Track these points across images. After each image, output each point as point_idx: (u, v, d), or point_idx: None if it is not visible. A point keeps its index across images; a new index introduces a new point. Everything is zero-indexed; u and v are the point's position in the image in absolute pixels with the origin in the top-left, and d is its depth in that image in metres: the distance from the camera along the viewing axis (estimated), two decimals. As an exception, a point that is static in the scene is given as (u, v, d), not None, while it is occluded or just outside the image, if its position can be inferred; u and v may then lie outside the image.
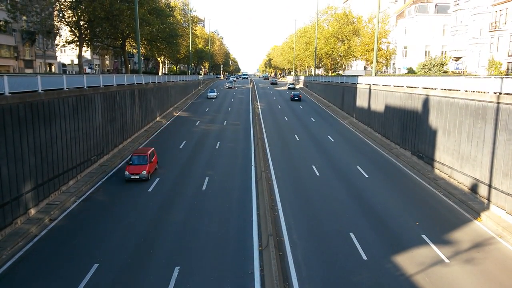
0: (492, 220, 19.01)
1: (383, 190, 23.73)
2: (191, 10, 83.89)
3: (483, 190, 21.18)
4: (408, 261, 15.56)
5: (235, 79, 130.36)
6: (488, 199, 20.59)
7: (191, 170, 27.68)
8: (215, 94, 71.49)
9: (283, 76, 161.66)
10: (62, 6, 40.95)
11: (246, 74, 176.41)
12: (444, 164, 25.39)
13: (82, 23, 41.91)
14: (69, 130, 23.26)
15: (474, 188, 22.06)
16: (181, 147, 34.46)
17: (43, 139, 20.20)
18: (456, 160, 23.98)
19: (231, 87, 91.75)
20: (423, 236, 17.57)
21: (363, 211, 20.58)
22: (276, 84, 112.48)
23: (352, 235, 17.58)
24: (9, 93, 17.70)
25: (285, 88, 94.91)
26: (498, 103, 20.16)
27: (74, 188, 22.90)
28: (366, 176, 26.37)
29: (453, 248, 16.64)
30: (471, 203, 21.14)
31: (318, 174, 26.81)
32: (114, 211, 20.34)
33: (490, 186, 20.54)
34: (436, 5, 70.97)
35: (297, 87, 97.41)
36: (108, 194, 22.84)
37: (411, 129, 30.81)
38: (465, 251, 16.50)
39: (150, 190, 23.40)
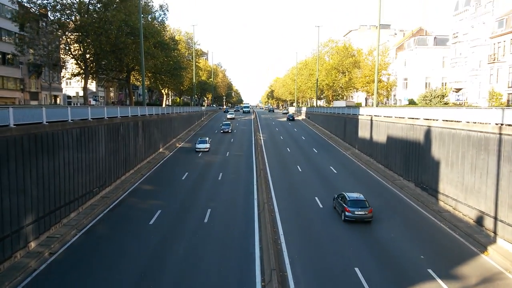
0: (499, 254, 18.60)
1: (388, 223, 23.38)
2: (195, 44, 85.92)
3: (488, 223, 20.85)
4: (415, 297, 15.13)
5: (233, 115, 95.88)
6: (495, 232, 20.23)
7: (193, 201, 27.49)
8: (206, 146, 47.23)
9: (285, 107, 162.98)
10: (69, 40, 42.11)
11: (248, 106, 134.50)
12: (448, 196, 25.13)
13: (88, 56, 42.96)
14: (72, 161, 23.31)
15: (479, 221, 21.73)
16: (183, 178, 34.36)
17: (46, 171, 20.22)
18: (460, 192, 23.75)
19: (227, 132, 65.07)
20: (429, 270, 17.16)
21: (368, 244, 20.22)
22: (273, 111, 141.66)
23: (357, 270, 17.19)
24: (14, 124, 17.89)
25: (286, 119, 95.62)
26: (500, 134, 20.17)
27: (75, 220, 22.69)
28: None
29: (460, 283, 16.22)
30: (477, 236, 20.76)
31: (321, 206, 26.55)
32: (115, 244, 20.05)
33: (495, 218, 20.23)
34: (435, 37, 72.55)
35: (299, 118, 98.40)
36: (109, 227, 22.59)
37: (414, 160, 30.73)
38: (473, 286, 16.07)
39: (151, 222, 23.16)
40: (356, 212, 22.80)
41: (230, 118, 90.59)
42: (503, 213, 19.65)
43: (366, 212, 22.90)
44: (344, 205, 23.41)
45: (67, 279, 16.31)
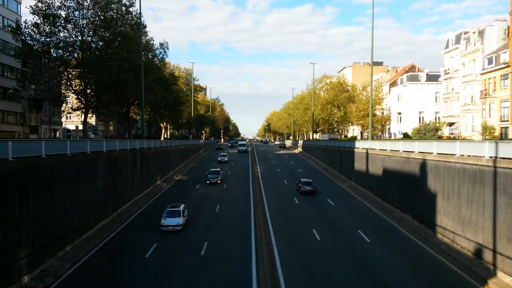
0: (499, 288, 18.42)
1: (385, 255, 23.19)
2: (194, 79, 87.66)
3: (487, 256, 20.73)
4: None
5: (226, 158, 71.96)
6: (494, 265, 20.09)
7: (190, 234, 27.25)
8: (177, 221, 28.19)
9: (282, 141, 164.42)
10: (70, 76, 42.95)
11: (245, 144, 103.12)
12: (446, 229, 25.08)
13: (89, 91, 43.67)
14: (70, 194, 23.30)
15: (478, 253, 21.60)
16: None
17: (42, 204, 20.18)
18: (458, 225, 23.74)
19: (217, 182, 47.47)
20: (430, 304, 16.93)
21: (367, 277, 20.00)
22: (267, 143, 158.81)
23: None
24: (13, 157, 18.02)
25: (282, 152, 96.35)
26: (495, 167, 20.43)
27: (70, 253, 22.40)
28: (368, 240, 25.92)
29: (461, 318, 15.96)
30: (477, 269, 20.58)
31: (319, 238, 26.36)
32: (110, 278, 19.74)
33: (494, 251, 20.14)
34: (427, 74, 74.41)
35: (295, 151, 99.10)
36: (105, 260, 22.30)
37: (410, 193, 30.83)
38: (474, 320, 15.80)
39: (147, 255, 22.87)
40: (306, 188, 41.29)
41: (222, 162, 69.33)
42: (501, 246, 19.60)
43: (312, 188, 41.40)
44: (300, 184, 42.32)
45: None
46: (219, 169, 52.38)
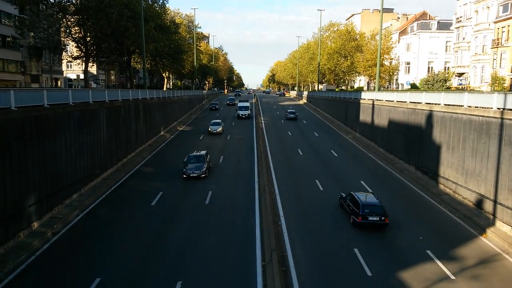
0: (498, 236, 18.80)
1: (387, 205, 23.43)
2: (196, 27, 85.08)
3: (488, 206, 20.99)
4: (413, 277, 15.36)
5: (219, 127, 49.20)
6: (494, 215, 20.39)
7: (194, 184, 27.65)
8: None
9: (287, 91, 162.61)
10: (69, 23, 41.67)
11: (247, 107, 67.39)
12: (449, 180, 25.24)
13: (88, 39, 42.56)
14: (74, 144, 23.39)
15: (479, 204, 21.87)
16: (185, 160, 34.41)
17: (47, 153, 20.30)
18: (461, 176, 23.84)
19: (199, 177, 28.74)
20: (428, 252, 17.38)
21: (364, 232, 20.40)
22: (269, 93, 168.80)
23: (356, 250, 17.42)
24: (15, 107, 17.89)
25: (287, 103, 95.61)
26: (502, 118, 20.13)
27: (77, 201, 22.91)
28: (370, 191, 26.19)
29: (458, 264, 16.44)
30: (476, 218, 20.93)
31: (321, 188, 26.71)
32: (117, 224, 20.30)
33: (495, 201, 20.36)
34: (438, 22, 71.70)
35: (300, 102, 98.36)
36: (111, 208, 22.84)
37: (414, 144, 30.75)
38: (471, 267, 16.28)
39: (153, 203, 23.37)
40: (290, 115, 62.96)
41: (214, 133, 47.94)
42: (502, 196, 19.76)
43: (294, 116, 62.66)
44: (286, 113, 64.61)
45: (70, 258, 16.58)
46: (204, 152, 32.17)
